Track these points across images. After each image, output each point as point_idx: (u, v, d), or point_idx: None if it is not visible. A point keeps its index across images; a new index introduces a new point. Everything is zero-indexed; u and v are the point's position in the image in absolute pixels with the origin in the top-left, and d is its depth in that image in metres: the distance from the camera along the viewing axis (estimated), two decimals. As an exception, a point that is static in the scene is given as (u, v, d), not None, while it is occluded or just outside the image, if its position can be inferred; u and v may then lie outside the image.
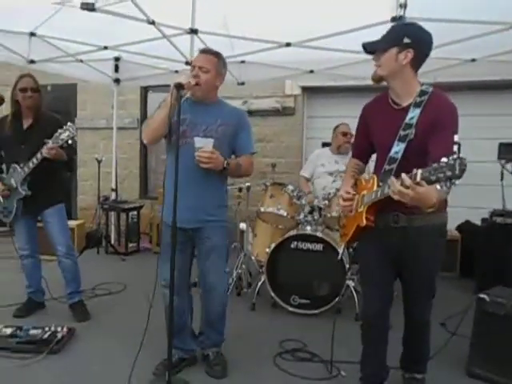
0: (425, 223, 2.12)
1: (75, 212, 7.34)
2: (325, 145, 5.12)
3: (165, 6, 3.58)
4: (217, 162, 2.47)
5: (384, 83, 2.21)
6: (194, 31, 4.02)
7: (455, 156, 1.62)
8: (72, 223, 5.68)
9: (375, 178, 2.16)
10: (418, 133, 2.05)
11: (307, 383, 2.65)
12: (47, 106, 3.53)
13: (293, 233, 3.76)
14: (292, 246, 3.70)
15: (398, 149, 2.08)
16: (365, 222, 2.14)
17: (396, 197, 1.82)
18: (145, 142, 2.66)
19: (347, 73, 4.96)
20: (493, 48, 3.88)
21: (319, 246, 3.63)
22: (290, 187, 3.98)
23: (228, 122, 2.59)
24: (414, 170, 1.74)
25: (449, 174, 1.61)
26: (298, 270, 3.68)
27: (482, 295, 2.73)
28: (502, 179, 4.21)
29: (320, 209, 3.86)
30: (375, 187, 2.12)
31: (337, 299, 3.58)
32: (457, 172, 1.60)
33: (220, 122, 2.57)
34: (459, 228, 5.10)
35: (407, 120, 2.08)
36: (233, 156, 2.68)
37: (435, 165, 1.67)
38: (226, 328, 2.82)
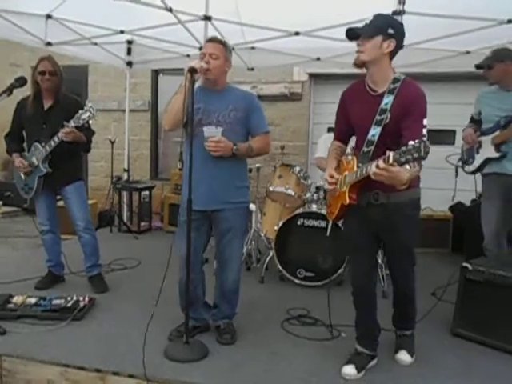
0: (401, 199, 2.34)
1: (86, 192, 7.54)
2: (330, 129, 5.32)
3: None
4: (225, 148, 2.65)
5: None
6: (207, 18, 4.20)
7: (421, 139, 1.87)
8: (84, 203, 5.92)
9: (355, 160, 2.36)
10: (392, 117, 2.26)
11: (312, 343, 2.89)
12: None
13: (299, 211, 3.98)
14: (299, 223, 3.92)
15: (374, 132, 2.30)
16: (348, 200, 2.33)
17: (374, 177, 2.05)
18: (166, 128, 2.83)
19: (351, 61, 5.14)
20: (485, 41, 4.14)
21: (323, 223, 3.84)
22: (297, 168, 4.20)
23: (238, 106, 2.75)
24: (387, 153, 1.98)
25: (416, 155, 1.87)
26: (303, 245, 3.91)
27: (465, 264, 3.01)
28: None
29: (324, 188, 4.09)
30: (355, 168, 2.32)
31: (339, 272, 3.82)
32: (422, 153, 1.85)
33: (231, 108, 2.73)
34: (451, 208, 5.38)
35: (382, 105, 2.28)
36: (250, 137, 2.85)
37: (404, 148, 1.91)
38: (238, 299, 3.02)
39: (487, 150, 3.34)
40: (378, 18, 2.30)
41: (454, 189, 4.42)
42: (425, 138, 1.89)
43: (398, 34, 2.28)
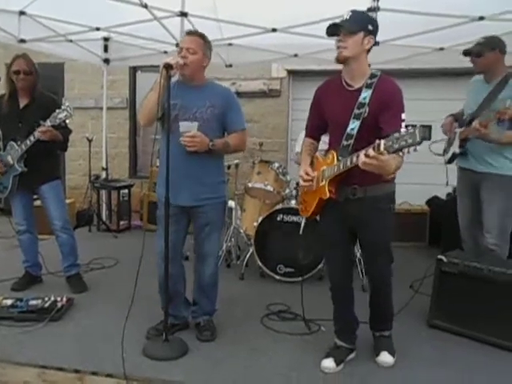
0: (378, 192, 2.37)
1: (64, 191, 7.43)
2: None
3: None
4: (201, 144, 2.63)
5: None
6: (183, 14, 4.17)
7: (415, 125, 1.85)
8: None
9: (334, 154, 2.35)
10: (371, 111, 2.28)
11: (292, 338, 2.92)
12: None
13: (278, 207, 4.00)
14: (278, 218, 3.94)
15: (353, 126, 2.32)
16: (328, 194, 2.33)
17: (362, 166, 2.03)
18: (141, 123, 2.83)
19: (329, 57, 5.17)
20: (458, 38, 4.21)
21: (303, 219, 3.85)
22: (276, 164, 4.22)
23: (216, 103, 2.73)
24: (377, 141, 1.96)
25: (410, 141, 1.84)
26: (283, 241, 3.93)
27: (440, 256, 3.07)
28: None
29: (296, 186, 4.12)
30: (335, 162, 2.33)
31: (318, 267, 3.85)
32: (417, 139, 1.83)
33: (209, 104, 2.71)
34: (428, 202, 5.45)
35: (360, 99, 2.30)
36: (226, 134, 2.84)
37: (396, 134, 1.88)
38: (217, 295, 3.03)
39: (456, 144, 3.35)
40: (357, 14, 2.31)
41: (429, 183, 4.46)
42: (418, 124, 1.85)
43: (376, 31, 2.34)
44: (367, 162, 1.99)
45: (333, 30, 2.31)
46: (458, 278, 2.96)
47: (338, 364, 2.54)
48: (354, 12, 2.31)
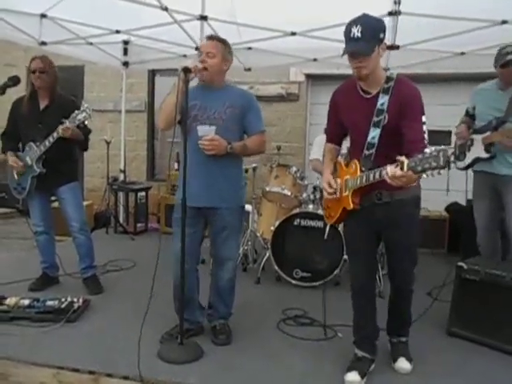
0: (405, 196, 2.33)
1: (82, 193, 7.51)
2: (327, 130, 5.32)
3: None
4: (219, 147, 2.63)
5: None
6: (203, 18, 4.19)
7: (441, 148, 1.80)
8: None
9: (357, 164, 2.31)
10: (390, 117, 2.24)
11: (307, 344, 2.88)
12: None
13: (296, 211, 3.97)
14: (295, 223, 3.92)
15: (374, 134, 2.27)
16: (352, 205, 2.31)
17: (390, 182, 2.00)
18: (160, 127, 2.82)
19: (348, 62, 5.15)
20: (479, 43, 4.17)
21: (320, 223, 3.82)
22: (294, 168, 4.19)
23: (235, 104, 2.73)
24: (400, 159, 1.92)
25: (434, 164, 1.81)
26: (300, 245, 3.90)
27: (460, 263, 3.00)
28: None
29: (321, 189, 4.09)
30: (359, 172, 2.29)
31: (335, 272, 3.81)
32: (441, 163, 1.79)
33: (227, 105, 2.71)
34: (448, 208, 5.36)
35: (378, 106, 2.26)
36: (245, 136, 2.84)
37: (420, 156, 1.85)
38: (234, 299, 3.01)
39: (478, 149, 3.34)
40: (368, 27, 2.16)
41: (446, 186, 4.38)
42: (444, 147, 1.81)
43: (385, 36, 2.26)
44: (396, 181, 1.97)
45: (359, 55, 2.21)
46: (478, 285, 2.89)
47: (362, 377, 2.45)
48: (364, 25, 2.15)
